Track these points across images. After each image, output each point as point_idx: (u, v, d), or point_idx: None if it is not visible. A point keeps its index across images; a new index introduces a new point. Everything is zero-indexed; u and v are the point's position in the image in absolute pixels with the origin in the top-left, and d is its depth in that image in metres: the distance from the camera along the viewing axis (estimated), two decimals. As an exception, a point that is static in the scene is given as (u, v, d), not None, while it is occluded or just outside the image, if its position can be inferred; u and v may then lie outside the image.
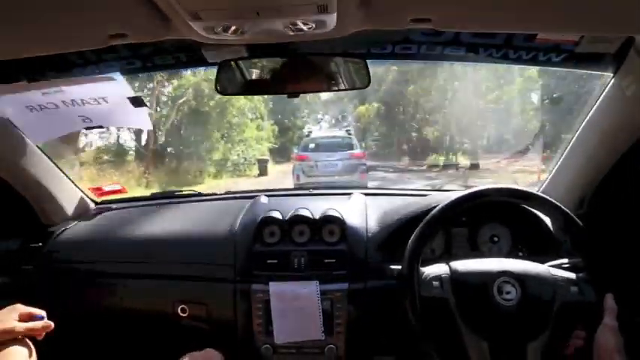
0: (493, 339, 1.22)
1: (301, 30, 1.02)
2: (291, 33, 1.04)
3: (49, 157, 1.70)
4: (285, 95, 1.39)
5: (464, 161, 17.81)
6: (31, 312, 1.17)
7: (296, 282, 1.52)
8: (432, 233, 1.34)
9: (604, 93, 1.33)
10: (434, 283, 1.27)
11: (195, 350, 1.39)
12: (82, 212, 1.88)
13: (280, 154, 22.49)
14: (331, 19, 0.98)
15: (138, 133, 16.16)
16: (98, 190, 1.97)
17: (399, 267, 1.34)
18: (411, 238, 1.32)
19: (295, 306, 1.50)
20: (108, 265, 1.66)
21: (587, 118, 1.42)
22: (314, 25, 1.00)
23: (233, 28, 1.00)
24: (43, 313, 1.18)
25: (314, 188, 2.09)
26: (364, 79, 1.31)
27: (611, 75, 1.27)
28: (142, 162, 15.67)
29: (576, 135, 1.49)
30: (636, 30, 1.07)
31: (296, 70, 1.31)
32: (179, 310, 1.58)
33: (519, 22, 1.04)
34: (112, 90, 1.46)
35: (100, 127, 1.62)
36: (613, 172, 1.43)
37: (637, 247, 1.42)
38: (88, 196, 1.94)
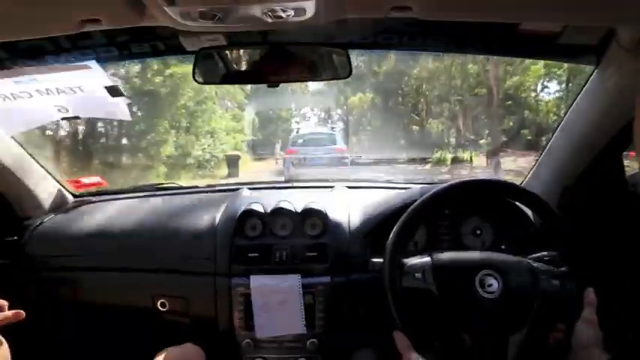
0: (475, 331, 1.21)
1: (280, 17, 1.00)
2: (270, 20, 1.01)
3: (24, 149, 1.66)
4: (265, 85, 1.37)
5: (476, 159, 16.08)
6: None
7: (277, 276, 1.50)
8: (413, 226, 1.33)
9: (586, 85, 1.33)
10: (416, 274, 1.26)
11: (175, 345, 1.38)
12: (60, 205, 1.84)
13: (262, 148, 20.66)
14: (310, 6, 0.96)
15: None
16: (77, 183, 1.93)
17: (381, 260, 1.33)
18: (393, 230, 1.31)
19: (277, 300, 1.48)
20: (86, 259, 1.63)
21: (570, 109, 1.42)
22: (293, 12, 0.98)
23: (209, 14, 0.98)
24: (4, 303, 1.14)
25: (296, 181, 2.08)
26: (345, 69, 1.30)
27: (594, 67, 1.27)
28: (66, 157, 12.73)
29: (559, 127, 1.49)
30: (617, 21, 1.06)
31: (276, 59, 1.29)
32: (159, 305, 1.56)
33: (501, 11, 1.03)
34: (88, 79, 1.42)
35: (77, 117, 1.58)
36: (595, 162, 1.43)
37: (618, 238, 1.43)
38: (66, 189, 1.90)
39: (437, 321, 1.24)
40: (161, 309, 1.56)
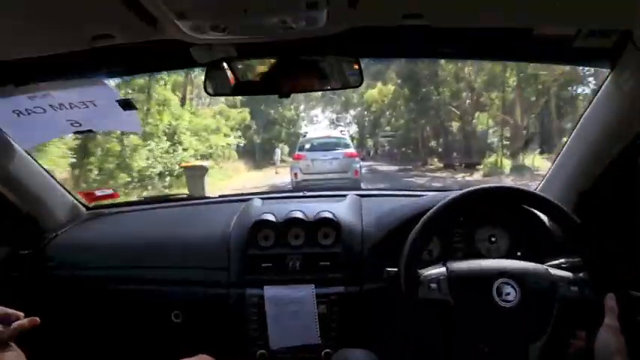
0: (493, 341, 1.20)
1: (291, 27, 1.00)
2: (281, 31, 1.02)
3: (38, 163, 1.67)
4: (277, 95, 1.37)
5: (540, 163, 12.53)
6: (6, 311, 1.13)
7: (291, 286, 1.50)
8: (428, 235, 1.32)
9: (601, 89, 1.31)
10: (431, 285, 1.25)
11: (189, 355, 1.37)
12: (74, 218, 1.85)
13: (262, 154, 18.38)
14: (321, 16, 0.96)
15: None
16: (90, 195, 1.94)
17: (396, 269, 1.32)
18: (407, 240, 1.30)
19: (290, 310, 1.48)
20: (100, 271, 1.64)
21: (585, 114, 1.40)
22: (304, 23, 0.98)
23: (221, 26, 0.98)
24: (19, 313, 1.14)
25: (308, 190, 2.07)
26: (357, 77, 1.29)
27: (609, 70, 1.25)
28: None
29: (574, 132, 1.47)
30: (632, 23, 1.04)
31: (287, 69, 1.29)
32: (173, 315, 1.56)
33: (514, 17, 1.02)
34: (101, 93, 1.43)
35: (90, 131, 1.59)
36: (611, 168, 1.40)
37: (635, 244, 1.40)
38: (79, 202, 1.91)
39: (454, 331, 1.22)
40: (175, 320, 1.56)
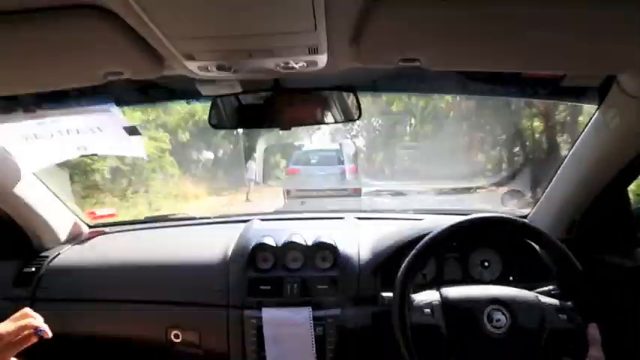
0: None
1: (292, 68, 1.05)
2: (283, 71, 1.07)
3: (44, 183, 1.71)
4: (279, 129, 1.42)
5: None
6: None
7: (289, 308, 1.53)
8: (422, 263, 1.35)
9: (589, 124, 1.36)
10: (425, 310, 1.29)
11: None
12: (76, 236, 1.89)
13: (224, 174, 13.69)
14: (322, 59, 1.01)
15: None
16: (91, 214, 1.98)
17: (391, 294, 1.36)
18: (402, 266, 1.33)
19: (288, 332, 1.51)
20: (100, 291, 1.67)
21: (574, 147, 1.45)
22: (305, 65, 1.03)
23: (226, 66, 1.03)
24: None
25: (307, 212, 2.11)
26: (355, 111, 1.34)
27: (596, 107, 1.30)
28: None
29: (563, 164, 1.52)
30: (617, 68, 1.10)
31: (288, 104, 1.33)
32: (172, 336, 1.59)
33: (505, 63, 1.08)
34: (108, 121, 1.48)
35: (95, 155, 1.64)
36: (600, 198, 1.46)
37: (622, 273, 1.44)
38: (82, 220, 1.95)
39: (445, 356, 1.26)
40: (174, 340, 1.59)
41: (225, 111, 1.33)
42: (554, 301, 1.28)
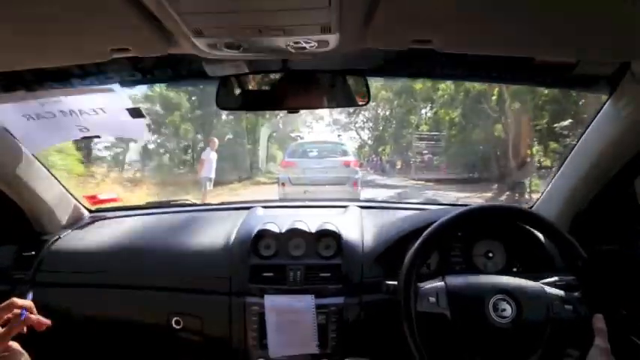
0: (487, 356, 1.22)
1: (303, 48, 1.03)
2: (293, 51, 1.05)
3: (44, 166, 1.69)
4: (286, 111, 1.41)
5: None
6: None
7: (291, 295, 1.52)
8: (428, 251, 1.35)
9: (599, 114, 1.35)
10: (430, 298, 1.27)
11: None
12: (76, 221, 1.87)
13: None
14: (334, 39, 0.99)
15: None
16: (93, 199, 1.96)
17: (395, 282, 1.34)
18: (407, 255, 1.32)
19: (290, 320, 1.50)
20: (101, 276, 1.65)
21: (583, 137, 1.44)
22: (316, 44, 1.01)
23: (235, 44, 1.01)
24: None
25: (309, 200, 2.09)
26: (364, 96, 1.32)
27: (607, 96, 1.29)
28: None
29: (571, 154, 1.51)
30: (631, 56, 1.08)
31: (295, 86, 1.31)
32: (174, 322, 1.58)
33: (518, 47, 1.06)
34: (111, 101, 1.46)
35: (98, 136, 1.62)
36: (607, 189, 1.44)
37: (628, 266, 1.44)
38: (82, 205, 1.93)
39: (450, 345, 1.25)
40: (176, 327, 1.58)
41: (233, 92, 1.31)
42: (560, 292, 1.27)
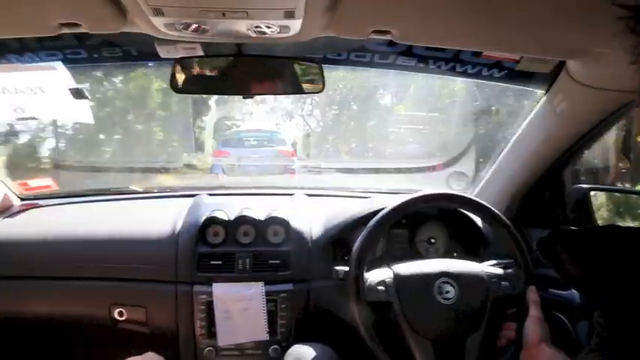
0: (435, 337, 1.29)
1: (264, 33, 1.02)
2: (254, 35, 1.04)
3: None
4: (241, 97, 1.38)
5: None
6: None
7: (240, 283, 1.51)
8: (377, 237, 1.39)
9: (536, 109, 1.45)
10: (379, 287, 1.32)
11: (136, 354, 1.34)
12: (6, 209, 1.74)
13: None
14: (295, 25, 0.99)
15: None
16: (24, 185, 1.83)
17: (344, 268, 1.38)
18: (357, 241, 1.36)
19: (239, 307, 1.49)
20: (35, 268, 1.55)
21: (520, 130, 1.54)
22: (278, 29, 1.01)
23: (194, 25, 0.98)
24: None
25: (255, 187, 2.09)
26: (319, 83, 1.33)
27: (544, 92, 1.39)
28: None
29: (508, 145, 1.61)
30: (567, 55, 1.18)
31: (250, 71, 1.29)
32: (116, 314, 1.52)
33: (470, 40, 1.12)
34: (52, 80, 1.36)
35: (34, 118, 1.51)
36: (541, 178, 1.56)
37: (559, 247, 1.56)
38: (13, 192, 1.79)
39: (399, 328, 1.30)
40: (118, 318, 1.52)
41: (187, 75, 1.27)
42: (498, 270, 1.36)
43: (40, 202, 1.83)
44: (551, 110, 1.36)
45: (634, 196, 3.43)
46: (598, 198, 2.74)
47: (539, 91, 1.41)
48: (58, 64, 1.32)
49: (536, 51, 1.18)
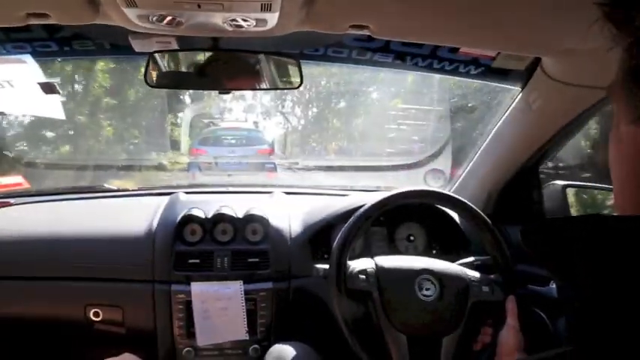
0: (411, 332, 1.29)
1: (240, 26, 1.01)
2: (230, 29, 1.02)
3: None
4: (217, 92, 1.36)
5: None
6: None
7: (219, 282, 1.49)
8: (357, 233, 1.38)
9: (512, 105, 1.46)
10: (360, 276, 1.31)
11: (113, 355, 1.32)
12: None
13: None
14: (272, 18, 0.98)
15: None
16: (-7, 184, 1.77)
17: (325, 266, 1.37)
18: (337, 239, 1.35)
19: (218, 307, 1.47)
20: (8, 267, 1.51)
21: (496, 127, 1.55)
22: (254, 23, 0.99)
23: (169, 18, 0.96)
24: None
25: (233, 185, 2.07)
26: (297, 79, 1.32)
27: (520, 89, 1.40)
28: None
29: (485, 142, 1.62)
30: (542, 52, 1.19)
31: (227, 66, 1.28)
32: (91, 314, 1.49)
33: (446, 36, 1.13)
34: (21, 73, 1.32)
35: (2, 113, 1.46)
36: (517, 175, 1.57)
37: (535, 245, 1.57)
38: (-19, 190, 1.74)
39: (375, 321, 1.30)
40: (94, 319, 1.49)
41: (162, 69, 1.25)
42: (479, 274, 1.37)
43: (12, 200, 1.78)
44: (527, 107, 1.38)
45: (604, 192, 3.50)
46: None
47: (516, 88, 1.42)
48: (28, 57, 1.29)
49: (512, 47, 1.19)
